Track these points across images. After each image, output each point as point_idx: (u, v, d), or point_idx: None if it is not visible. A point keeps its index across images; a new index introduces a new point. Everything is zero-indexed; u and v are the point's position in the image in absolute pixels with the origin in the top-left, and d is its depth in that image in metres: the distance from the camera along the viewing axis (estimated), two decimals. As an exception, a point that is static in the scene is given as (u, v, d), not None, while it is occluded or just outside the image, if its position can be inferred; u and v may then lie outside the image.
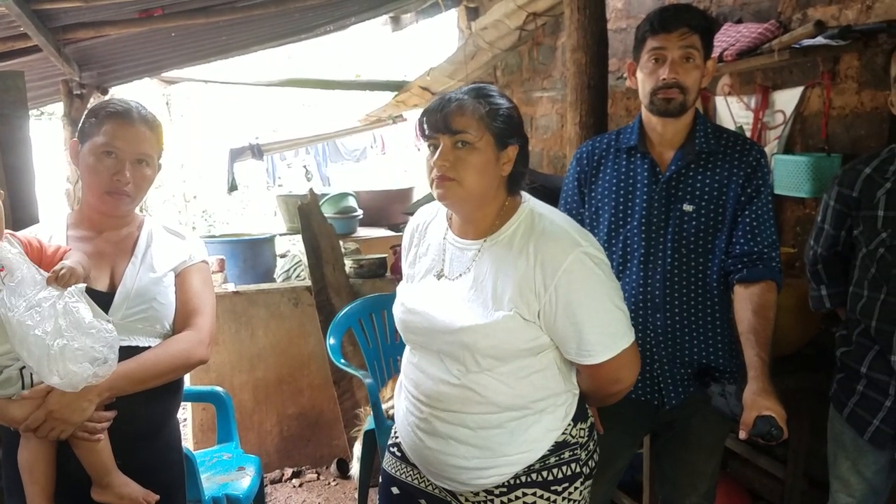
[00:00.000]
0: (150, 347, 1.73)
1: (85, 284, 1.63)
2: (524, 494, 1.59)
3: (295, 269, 4.88)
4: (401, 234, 1.86)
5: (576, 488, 1.63)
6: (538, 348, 1.56)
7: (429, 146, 1.55)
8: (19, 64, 3.90)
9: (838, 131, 2.68)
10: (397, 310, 1.71)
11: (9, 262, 1.56)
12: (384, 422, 2.95)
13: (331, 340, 3.26)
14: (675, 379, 1.97)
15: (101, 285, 1.74)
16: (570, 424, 1.62)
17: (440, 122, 1.51)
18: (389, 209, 6.36)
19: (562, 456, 1.60)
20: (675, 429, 2.05)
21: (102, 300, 1.68)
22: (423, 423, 1.64)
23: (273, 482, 3.79)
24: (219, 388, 2.97)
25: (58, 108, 5.14)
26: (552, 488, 1.60)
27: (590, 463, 1.67)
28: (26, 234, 1.73)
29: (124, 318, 1.70)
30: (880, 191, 1.97)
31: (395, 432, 1.79)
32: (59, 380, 1.54)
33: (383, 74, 8.66)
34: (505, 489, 1.60)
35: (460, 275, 1.61)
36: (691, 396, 1.97)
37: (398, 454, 1.77)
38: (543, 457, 1.59)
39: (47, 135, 6.95)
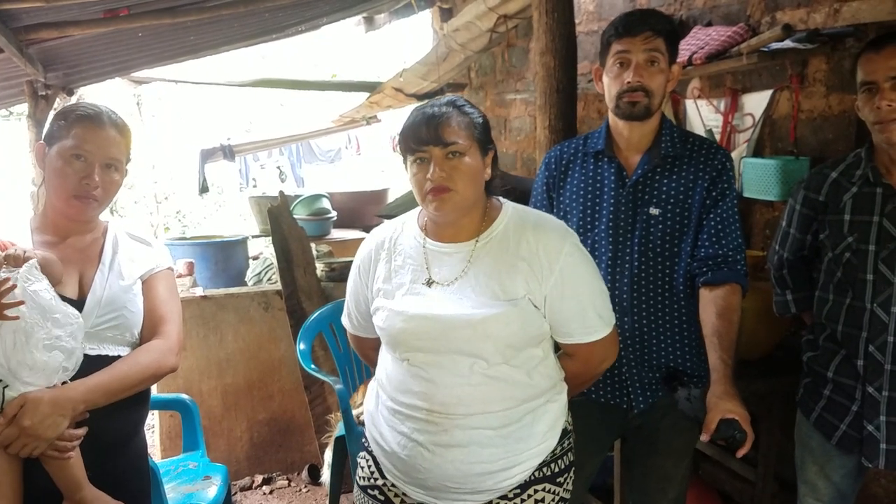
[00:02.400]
0: (119, 356, 1.70)
1: (35, 259, 1.58)
2: (535, 492, 1.62)
3: (266, 272, 4.81)
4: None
5: (569, 478, 1.69)
6: (540, 337, 1.63)
7: (414, 161, 1.58)
8: (-20, 65, 3.82)
9: (806, 134, 2.69)
10: (392, 321, 1.63)
11: None
12: (355, 428, 2.91)
13: (301, 345, 3.21)
14: (643, 383, 1.96)
15: (70, 292, 1.70)
16: (567, 412, 1.70)
17: (431, 135, 1.54)
18: (364, 211, 6.33)
19: (563, 445, 1.68)
20: (644, 433, 2.04)
21: (72, 307, 1.65)
22: (439, 437, 1.58)
23: (243, 489, 3.74)
24: (184, 396, 2.90)
25: (25, 107, 5.04)
26: (557, 480, 1.65)
27: (573, 451, 1.72)
28: None
29: (94, 326, 1.68)
30: (846, 195, 1.98)
31: (376, 480, 1.72)
32: (29, 372, 1.51)
33: (358, 75, 8.63)
34: (518, 490, 1.61)
35: (456, 278, 1.61)
36: (660, 401, 1.97)
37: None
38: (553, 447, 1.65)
39: (14, 135, 6.83)
